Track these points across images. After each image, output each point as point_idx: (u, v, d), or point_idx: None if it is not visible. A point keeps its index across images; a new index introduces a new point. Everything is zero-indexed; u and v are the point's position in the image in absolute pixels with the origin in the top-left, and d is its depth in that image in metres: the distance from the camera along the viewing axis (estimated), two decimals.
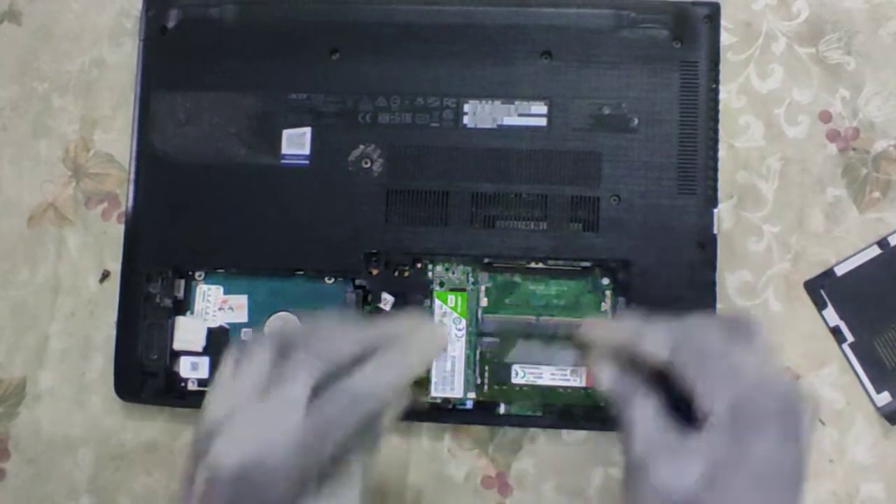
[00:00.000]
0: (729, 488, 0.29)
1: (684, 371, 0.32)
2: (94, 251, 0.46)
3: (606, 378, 0.34)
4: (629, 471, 0.32)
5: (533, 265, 0.42)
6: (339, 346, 0.31)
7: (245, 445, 0.29)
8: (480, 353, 0.42)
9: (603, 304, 0.42)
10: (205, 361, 0.43)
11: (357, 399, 0.31)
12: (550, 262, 0.42)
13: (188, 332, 0.43)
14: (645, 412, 0.32)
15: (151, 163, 0.44)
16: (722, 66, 0.43)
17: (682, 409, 0.32)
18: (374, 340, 0.32)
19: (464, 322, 0.42)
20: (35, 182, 0.47)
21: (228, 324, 0.43)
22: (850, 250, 0.44)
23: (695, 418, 0.31)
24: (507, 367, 0.42)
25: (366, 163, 0.43)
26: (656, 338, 0.33)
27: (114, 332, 0.43)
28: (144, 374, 0.43)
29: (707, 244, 0.41)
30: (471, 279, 0.42)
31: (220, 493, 0.29)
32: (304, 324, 0.33)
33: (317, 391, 0.30)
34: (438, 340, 0.36)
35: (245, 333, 0.43)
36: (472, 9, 0.43)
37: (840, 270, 0.43)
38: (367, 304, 0.42)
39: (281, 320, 0.43)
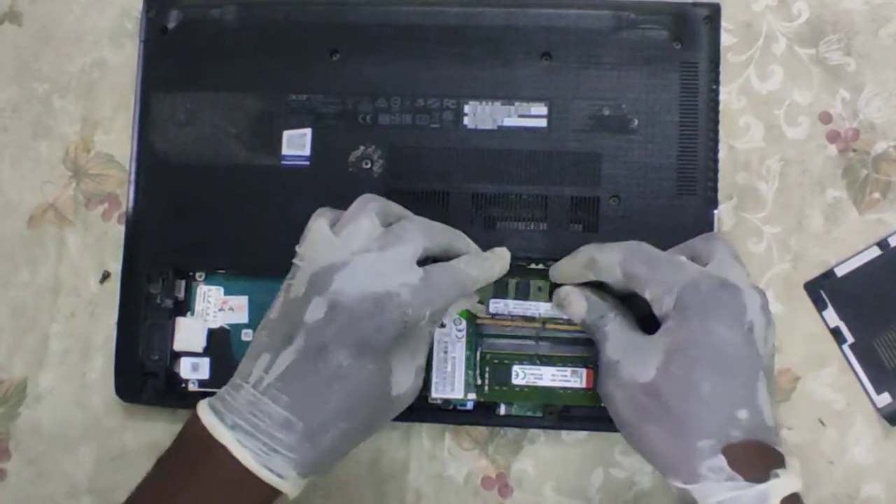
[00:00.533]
0: (681, 371, 0.34)
1: (636, 282, 0.36)
2: (95, 252, 0.46)
3: (578, 308, 0.39)
4: (602, 373, 0.37)
5: (533, 266, 0.42)
6: (437, 231, 0.37)
7: (368, 283, 0.34)
8: (481, 354, 0.42)
9: None
10: (205, 362, 0.43)
11: (457, 280, 0.36)
12: (550, 262, 0.42)
13: (189, 333, 0.43)
14: (615, 325, 0.37)
15: (152, 164, 0.44)
16: (722, 67, 0.43)
17: (649, 328, 0.36)
18: (460, 243, 0.38)
19: (464, 323, 0.42)
20: (35, 183, 0.47)
21: (229, 324, 0.43)
22: (850, 251, 0.44)
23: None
24: (508, 368, 0.42)
25: (366, 164, 0.43)
26: (608, 258, 0.37)
27: (114, 333, 0.44)
28: (145, 375, 0.43)
29: None
30: None
31: (342, 317, 0.34)
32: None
33: (422, 261, 0.36)
34: (504, 258, 0.39)
35: (245, 335, 0.43)
36: (472, 10, 0.43)
37: (840, 271, 0.43)
38: None
39: None
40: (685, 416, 0.33)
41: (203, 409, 0.34)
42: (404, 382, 0.36)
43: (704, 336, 0.34)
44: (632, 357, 0.36)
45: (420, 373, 0.37)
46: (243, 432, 0.33)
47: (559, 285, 0.40)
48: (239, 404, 0.34)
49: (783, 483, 0.32)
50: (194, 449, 0.34)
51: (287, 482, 0.33)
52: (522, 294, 0.42)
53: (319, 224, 0.36)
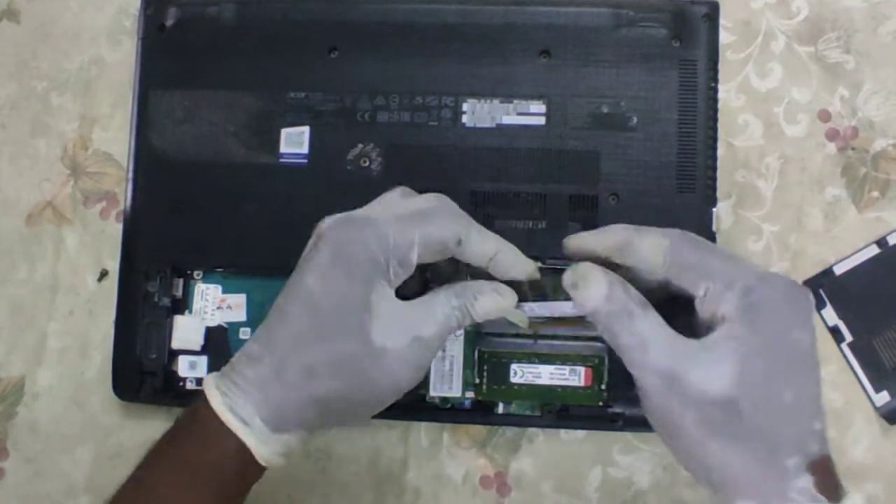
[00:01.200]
0: (762, 380, 0.29)
1: (686, 274, 0.31)
2: (93, 250, 0.46)
3: (596, 294, 0.31)
4: (652, 384, 0.31)
5: None
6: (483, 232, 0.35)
7: (354, 213, 0.33)
8: (479, 353, 0.42)
9: None
10: (203, 360, 0.43)
11: (455, 220, 0.34)
12: (549, 260, 0.42)
13: (186, 332, 0.43)
14: (653, 323, 0.31)
15: (150, 161, 0.44)
16: (721, 65, 0.43)
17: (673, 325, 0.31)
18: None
19: None
20: (33, 181, 0.47)
21: (227, 323, 0.43)
22: (848, 250, 0.44)
23: (693, 330, 0.31)
24: (506, 367, 0.42)
25: (364, 162, 0.43)
26: (652, 242, 0.32)
27: (112, 331, 0.43)
28: (143, 374, 0.43)
29: None
30: (469, 278, 0.42)
31: (322, 239, 0.33)
32: None
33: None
34: (530, 269, 0.35)
35: (244, 333, 0.43)
36: (470, 7, 0.43)
37: (839, 270, 0.43)
38: None
39: None
40: (770, 431, 0.29)
41: (207, 380, 0.34)
42: (392, 339, 0.32)
43: (783, 340, 0.30)
44: (691, 365, 0.30)
45: (420, 345, 0.32)
46: (222, 376, 0.33)
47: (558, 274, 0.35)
48: (236, 356, 0.33)
49: (854, 501, 0.31)
50: (191, 407, 0.34)
51: (252, 434, 0.31)
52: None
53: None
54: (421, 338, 0.32)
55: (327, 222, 0.33)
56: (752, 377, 0.29)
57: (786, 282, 0.31)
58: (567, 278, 0.33)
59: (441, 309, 0.33)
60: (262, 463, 0.32)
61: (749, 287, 0.30)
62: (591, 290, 0.32)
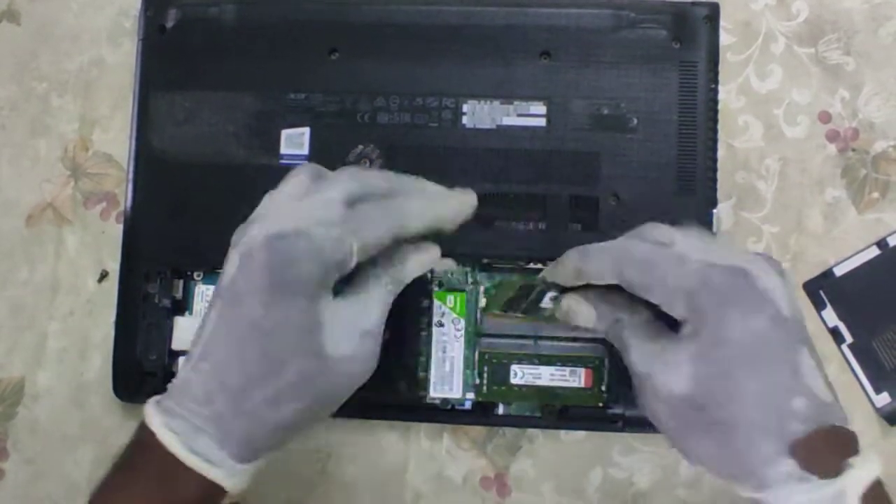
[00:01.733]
0: (718, 375, 0.30)
1: (637, 290, 0.33)
2: (93, 251, 0.46)
3: (586, 319, 0.36)
4: (637, 389, 0.34)
5: (532, 265, 0.42)
6: (372, 176, 0.34)
7: (281, 223, 0.31)
8: (479, 354, 0.42)
9: None
10: None
11: (389, 213, 0.33)
12: (549, 262, 0.42)
13: (187, 333, 0.43)
14: (631, 332, 0.34)
15: (150, 162, 0.44)
16: (721, 67, 0.43)
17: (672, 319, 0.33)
18: (405, 186, 0.34)
19: (462, 322, 0.42)
20: (34, 182, 0.47)
21: None
22: (849, 251, 0.44)
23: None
24: (506, 368, 0.42)
25: (365, 162, 0.43)
26: (596, 268, 0.34)
27: (112, 332, 0.43)
28: (143, 374, 0.43)
29: None
30: (469, 279, 0.42)
31: (251, 263, 0.31)
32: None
33: (351, 204, 0.32)
34: (469, 201, 0.35)
35: None
36: (471, 9, 0.43)
37: (839, 271, 0.43)
38: None
39: None
40: (736, 421, 0.30)
41: (148, 404, 0.32)
42: (343, 343, 0.32)
43: (731, 333, 0.30)
44: (661, 367, 0.32)
45: (369, 338, 0.33)
46: (173, 416, 0.31)
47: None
48: (172, 388, 0.32)
49: (860, 474, 0.29)
50: (135, 445, 0.32)
51: (219, 469, 0.30)
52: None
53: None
54: (368, 331, 0.33)
55: (255, 240, 0.31)
56: (708, 373, 0.31)
57: (726, 273, 0.31)
58: (559, 313, 0.37)
59: (377, 293, 0.34)
60: (232, 492, 0.31)
61: (691, 292, 0.31)
62: (581, 318, 0.36)
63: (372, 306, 0.33)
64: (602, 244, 0.35)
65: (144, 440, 0.31)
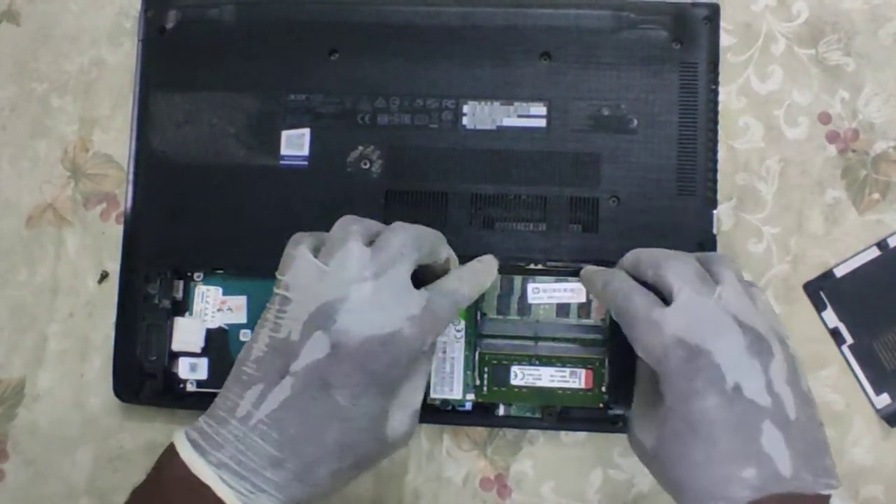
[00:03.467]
0: (672, 441, 0.33)
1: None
2: (93, 252, 0.46)
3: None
4: (628, 422, 0.37)
5: (532, 266, 0.42)
6: (422, 239, 0.35)
7: (372, 320, 0.33)
8: (480, 355, 0.42)
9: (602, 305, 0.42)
10: (203, 362, 0.43)
11: (455, 302, 0.36)
12: (549, 263, 0.42)
13: (187, 333, 0.43)
14: (634, 388, 0.38)
15: (150, 163, 0.44)
16: (721, 68, 0.43)
17: None
18: (440, 245, 0.37)
19: (463, 323, 0.42)
20: (34, 183, 0.47)
21: (227, 325, 0.43)
22: (849, 252, 0.44)
23: None
24: (507, 369, 0.42)
25: (365, 164, 0.43)
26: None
27: (112, 333, 0.43)
28: (143, 375, 0.43)
29: (706, 245, 0.41)
30: None
31: (346, 358, 0.32)
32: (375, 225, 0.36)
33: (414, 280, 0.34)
34: (493, 268, 0.39)
35: (244, 335, 0.43)
36: (471, 10, 0.43)
37: (839, 272, 0.43)
38: None
39: None
40: (684, 484, 0.32)
41: (182, 445, 0.32)
42: (400, 426, 0.35)
43: (686, 406, 0.32)
44: (640, 418, 0.36)
45: (415, 417, 0.36)
46: (229, 471, 0.32)
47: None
48: (224, 440, 0.32)
49: None
50: (174, 487, 0.32)
51: None
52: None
53: (302, 252, 0.34)
54: (417, 410, 0.36)
55: (350, 337, 0.32)
56: (664, 436, 0.33)
57: (682, 356, 0.33)
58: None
59: (425, 368, 0.37)
60: None
61: (658, 361, 0.33)
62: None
63: (421, 385, 0.36)
64: (606, 280, 0.37)
65: (191, 488, 0.32)
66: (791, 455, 0.32)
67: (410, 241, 0.35)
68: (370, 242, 0.35)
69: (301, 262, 0.34)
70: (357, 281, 0.33)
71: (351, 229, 0.35)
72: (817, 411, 0.34)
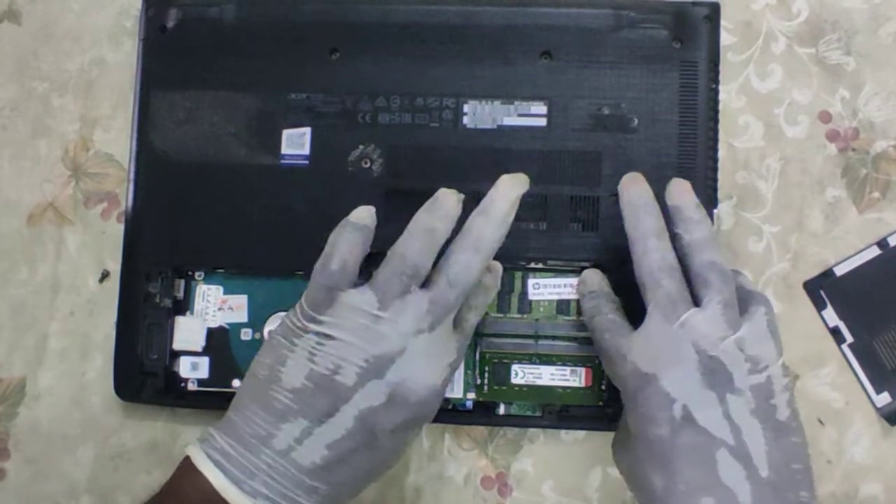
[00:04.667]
0: (635, 464, 0.35)
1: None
2: (94, 251, 0.46)
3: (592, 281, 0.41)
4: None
5: (532, 265, 0.42)
6: (474, 273, 0.36)
7: (427, 372, 0.34)
8: (480, 354, 0.42)
9: None
10: (204, 361, 0.43)
11: (472, 331, 0.39)
12: (550, 261, 0.42)
13: (188, 332, 0.43)
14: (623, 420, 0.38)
15: (151, 162, 0.44)
16: (722, 66, 0.43)
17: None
18: (492, 255, 0.37)
19: None
20: (34, 182, 0.47)
21: (228, 324, 0.43)
22: (849, 251, 0.44)
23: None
24: (507, 368, 0.42)
25: (365, 163, 0.43)
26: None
27: (113, 332, 0.44)
28: (144, 374, 0.43)
29: None
30: None
31: (403, 407, 0.34)
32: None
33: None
34: (499, 275, 0.41)
35: (245, 334, 0.43)
36: (471, 9, 0.43)
37: (839, 271, 0.43)
38: None
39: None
40: None
41: (209, 470, 0.32)
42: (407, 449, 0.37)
43: (643, 435, 0.34)
44: (620, 442, 0.37)
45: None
46: (264, 499, 0.32)
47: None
48: (256, 468, 0.32)
49: None
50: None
51: None
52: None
53: (351, 296, 0.34)
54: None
55: (411, 391, 0.34)
56: (633, 463, 0.35)
57: (636, 385, 0.34)
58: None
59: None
60: None
61: (622, 388, 0.36)
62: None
63: (464, 339, 0.38)
64: (590, 315, 0.39)
65: None
66: (753, 489, 0.31)
67: (462, 291, 0.35)
68: (417, 275, 0.35)
69: (349, 309, 0.34)
70: (414, 334, 0.34)
71: (406, 270, 0.34)
72: (801, 442, 0.33)
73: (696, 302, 0.34)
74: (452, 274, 0.35)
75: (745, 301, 0.35)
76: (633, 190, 0.37)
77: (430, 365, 0.34)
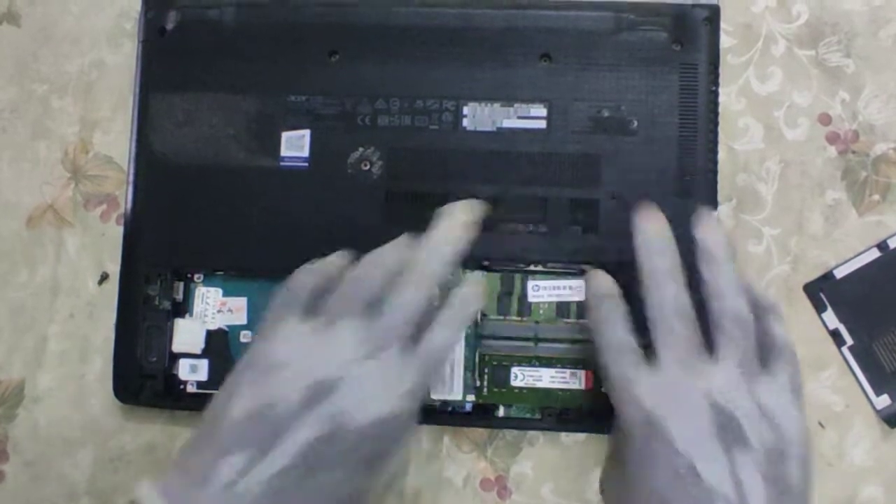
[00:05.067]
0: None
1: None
2: (93, 253, 0.46)
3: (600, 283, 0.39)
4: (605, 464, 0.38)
5: (532, 267, 0.42)
6: (415, 303, 0.34)
7: (372, 403, 0.32)
8: (480, 356, 0.42)
9: None
10: (204, 364, 0.43)
11: (446, 352, 0.36)
12: (550, 264, 0.42)
13: (187, 335, 0.43)
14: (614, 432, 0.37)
15: (150, 164, 0.44)
16: (721, 69, 0.43)
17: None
18: (434, 286, 0.35)
19: None
20: (34, 184, 0.47)
21: (227, 326, 0.43)
22: (849, 253, 0.44)
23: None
24: (507, 370, 0.42)
25: (365, 165, 0.43)
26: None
27: (113, 334, 0.43)
28: (143, 377, 0.43)
29: None
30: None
31: (345, 441, 0.32)
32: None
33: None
34: (480, 289, 0.37)
35: (244, 336, 0.43)
36: (471, 11, 0.43)
37: (839, 273, 0.43)
38: None
39: None
40: None
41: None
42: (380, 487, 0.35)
43: (642, 480, 0.32)
44: (610, 470, 0.36)
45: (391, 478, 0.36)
46: None
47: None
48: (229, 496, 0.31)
49: None
50: None
51: None
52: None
53: (290, 322, 0.34)
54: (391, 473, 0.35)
55: (353, 422, 0.32)
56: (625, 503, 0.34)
57: (645, 434, 0.32)
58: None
59: (411, 436, 0.36)
60: None
61: (627, 425, 0.33)
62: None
63: (404, 447, 0.35)
64: (599, 330, 0.36)
65: None
66: None
67: (410, 313, 0.34)
68: (366, 300, 0.34)
69: (289, 331, 0.33)
70: (354, 361, 0.33)
71: (345, 296, 0.34)
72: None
73: (712, 345, 0.33)
74: (395, 299, 0.34)
75: (767, 350, 0.34)
76: (651, 229, 0.36)
77: (374, 395, 0.32)
